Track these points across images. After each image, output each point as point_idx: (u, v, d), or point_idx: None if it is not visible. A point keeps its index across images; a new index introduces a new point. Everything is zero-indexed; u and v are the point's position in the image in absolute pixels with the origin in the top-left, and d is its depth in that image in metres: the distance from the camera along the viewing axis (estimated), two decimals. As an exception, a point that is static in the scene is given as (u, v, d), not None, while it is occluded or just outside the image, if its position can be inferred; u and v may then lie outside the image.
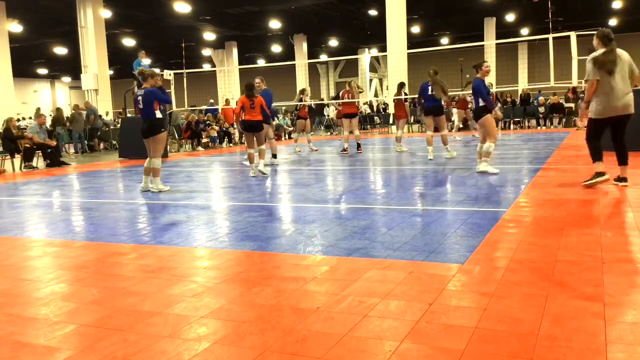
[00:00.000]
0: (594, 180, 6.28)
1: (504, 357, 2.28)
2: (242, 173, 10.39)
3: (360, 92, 15.04)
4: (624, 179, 6.37)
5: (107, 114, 22.07)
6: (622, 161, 6.35)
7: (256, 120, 9.25)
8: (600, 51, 6.30)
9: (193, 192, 7.84)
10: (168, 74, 17.04)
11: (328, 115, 26.48)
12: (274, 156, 11.84)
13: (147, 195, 7.75)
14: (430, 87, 10.71)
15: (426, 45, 26.35)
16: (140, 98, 7.84)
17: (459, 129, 18.75)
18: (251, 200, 6.79)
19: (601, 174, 6.25)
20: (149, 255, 4.26)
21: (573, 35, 12.15)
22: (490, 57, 28.86)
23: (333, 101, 19.81)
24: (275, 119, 23.38)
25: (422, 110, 11.16)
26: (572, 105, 21.86)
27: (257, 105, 9.25)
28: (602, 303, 2.81)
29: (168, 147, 16.03)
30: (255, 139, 9.40)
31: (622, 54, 6.35)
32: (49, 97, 46.77)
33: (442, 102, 11.01)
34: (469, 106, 16.72)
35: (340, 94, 14.35)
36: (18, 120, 16.67)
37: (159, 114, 7.85)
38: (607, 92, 6.15)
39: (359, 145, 13.67)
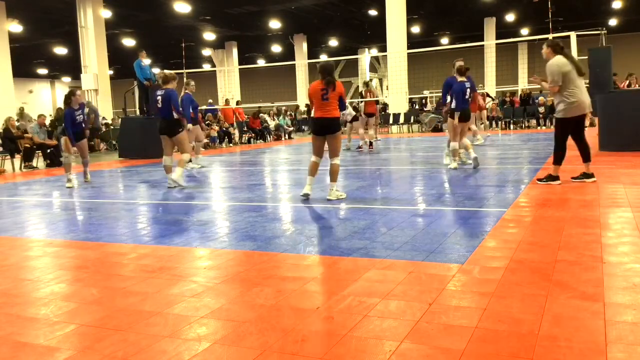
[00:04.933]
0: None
1: (504, 357, 2.28)
2: (242, 173, 10.39)
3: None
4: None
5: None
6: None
7: (332, 117, 6.33)
8: None
9: (193, 192, 7.84)
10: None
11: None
12: (190, 161, 10.62)
13: (147, 195, 7.76)
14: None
15: (426, 45, 26.33)
16: (159, 98, 8.21)
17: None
18: (251, 200, 6.79)
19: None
20: (149, 255, 4.26)
21: (573, 35, 12.17)
22: (490, 57, 28.93)
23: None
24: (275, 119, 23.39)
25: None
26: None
27: (334, 97, 6.29)
28: (602, 303, 2.81)
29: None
30: (328, 144, 6.44)
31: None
32: (49, 97, 46.73)
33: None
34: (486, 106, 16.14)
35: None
36: (17, 120, 16.60)
37: (175, 115, 8.14)
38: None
39: (370, 144, 13.69)
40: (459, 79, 8.71)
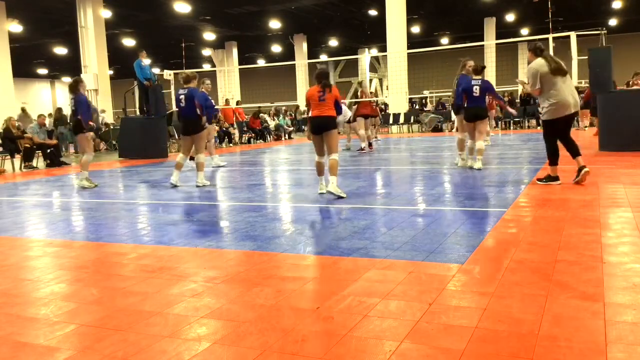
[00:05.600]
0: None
1: (504, 357, 2.28)
2: (242, 173, 10.39)
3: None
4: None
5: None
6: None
7: (327, 115, 6.54)
8: None
9: (193, 192, 7.84)
10: (168, 74, 17.04)
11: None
12: (191, 158, 9.74)
13: (147, 195, 7.76)
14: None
15: (426, 45, 26.34)
16: (182, 97, 8.23)
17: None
18: (251, 200, 6.79)
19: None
20: (149, 255, 4.26)
21: (573, 35, 12.17)
22: (490, 57, 28.92)
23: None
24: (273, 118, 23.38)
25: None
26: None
27: (330, 98, 6.56)
28: (602, 303, 2.81)
29: (168, 146, 16.01)
30: (325, 143, 6.65)
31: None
32: (49, 97, 46.72)
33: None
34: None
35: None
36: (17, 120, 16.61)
37: (199, 112, 8.19)
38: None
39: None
40: (474, 77, 8.54)
